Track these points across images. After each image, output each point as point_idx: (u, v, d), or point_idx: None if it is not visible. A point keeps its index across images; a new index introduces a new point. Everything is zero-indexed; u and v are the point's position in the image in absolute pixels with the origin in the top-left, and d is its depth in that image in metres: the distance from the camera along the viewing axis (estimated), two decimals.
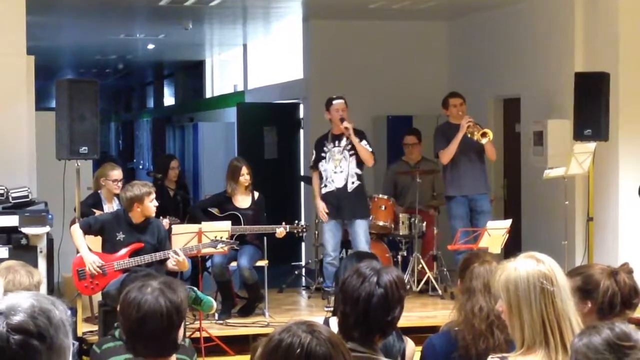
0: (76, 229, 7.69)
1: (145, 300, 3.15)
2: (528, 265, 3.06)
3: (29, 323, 1.97)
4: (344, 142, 9.13)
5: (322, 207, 9.16)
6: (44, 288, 5.30)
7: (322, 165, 9.23)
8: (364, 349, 3.08)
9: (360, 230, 9.11)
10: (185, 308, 3.25)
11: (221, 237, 7.98)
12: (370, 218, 9.51)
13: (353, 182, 9.13)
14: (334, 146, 9.17)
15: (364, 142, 9.11)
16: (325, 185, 9.21)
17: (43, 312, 2.01)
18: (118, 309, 3.32)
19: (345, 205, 9.09)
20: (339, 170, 9.14)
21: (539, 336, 2.99)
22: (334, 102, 9.23)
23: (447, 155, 9.65)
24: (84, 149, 8.03)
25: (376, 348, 3.16)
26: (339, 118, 9.09)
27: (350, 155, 9.10)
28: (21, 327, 1.96)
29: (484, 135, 9.45)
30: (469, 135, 9.53)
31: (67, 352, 2.03)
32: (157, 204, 7.80)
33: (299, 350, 2.29)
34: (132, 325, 3.17)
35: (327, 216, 9.14)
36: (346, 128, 9.01)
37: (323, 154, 9.24)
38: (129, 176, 17.58)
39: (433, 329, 4.45)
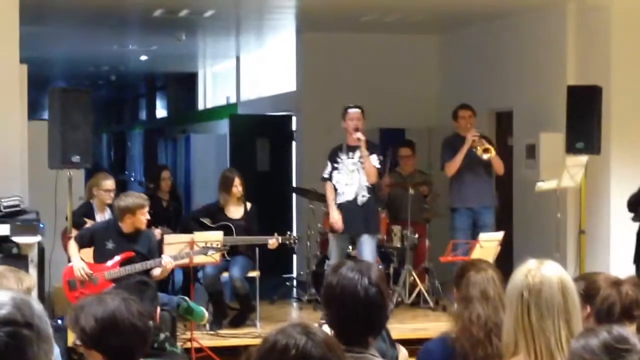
0: (72, 244, 7.74)
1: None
2: (520, 273, 3.07)
3: (15, 314, 1.99)
4: (357, 154, 8.84)
5: (338, 218, 8.84)
6: (34, 295, 5.26)
7: (334, 177, 8.95)
8: (361, 349, 3.06)
9: (367, 248, 8.81)
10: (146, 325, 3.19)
11: (211, 244, 7.98)
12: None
13: (363, 196, 8.85)
14: (348, 158, 8.90)
15: (374, 156, 8.84)
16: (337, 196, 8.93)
17: (25, 303, 2.03)
18: None
19: (354, 219, 8.82)
20: (350, 183, 8.88)
21: (514, 340, 3.01)
22: (350, 110, 8.93)
23: (451, 167, 9.61)
24: (76, 158, 8.03)
25: (372, 347, 3.14)
26: (354, 127, 8.81)
27: (363, 168, 8.84)
28: (9, 319, 1.98)
29: (486, 151, 9.42)
30: (473, 149, 9.50)
31: (52, 340, 2.05)
32: (149, 217, 7.79)
33: (294, 352, 2.27)
34: None
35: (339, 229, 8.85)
36: (358, 139, 8.74)
37: (336, 165, 8.96)
38: (121, 188, 17.52)
39: (424, 341, 4.42)
